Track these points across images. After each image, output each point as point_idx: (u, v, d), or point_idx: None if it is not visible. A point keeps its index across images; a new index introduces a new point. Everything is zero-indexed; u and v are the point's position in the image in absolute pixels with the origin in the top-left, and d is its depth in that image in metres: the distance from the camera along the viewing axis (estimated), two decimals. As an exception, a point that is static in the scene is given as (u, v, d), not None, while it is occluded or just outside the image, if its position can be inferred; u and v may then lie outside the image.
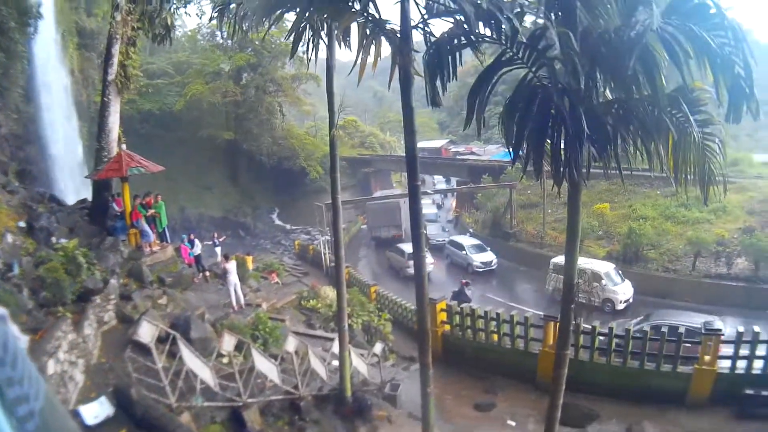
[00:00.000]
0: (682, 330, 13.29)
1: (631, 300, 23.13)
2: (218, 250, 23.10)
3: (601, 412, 11.92)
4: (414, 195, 7.98)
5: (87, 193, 21.97)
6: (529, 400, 13.12)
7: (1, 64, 26.06)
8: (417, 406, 9.80)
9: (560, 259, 22.70)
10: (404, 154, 8.26)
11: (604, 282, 22.66)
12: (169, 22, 18.37)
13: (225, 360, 10.20)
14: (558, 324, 11.63)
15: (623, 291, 23.10)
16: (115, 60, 16.98)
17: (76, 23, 44.46)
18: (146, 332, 7.87)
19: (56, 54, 39.89)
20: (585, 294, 21.26)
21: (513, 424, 12.06)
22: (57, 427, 1.32)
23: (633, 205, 33.09)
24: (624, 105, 5.95)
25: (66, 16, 41.28)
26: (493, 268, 31.59)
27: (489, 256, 32.00)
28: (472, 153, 67.00)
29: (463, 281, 22.10)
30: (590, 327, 12.84)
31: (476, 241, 34.10)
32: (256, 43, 54.91)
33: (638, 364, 12.64)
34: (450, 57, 6.48)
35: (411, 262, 26.92)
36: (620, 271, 23.93)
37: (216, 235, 26.46)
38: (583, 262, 22.11)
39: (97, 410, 6.99)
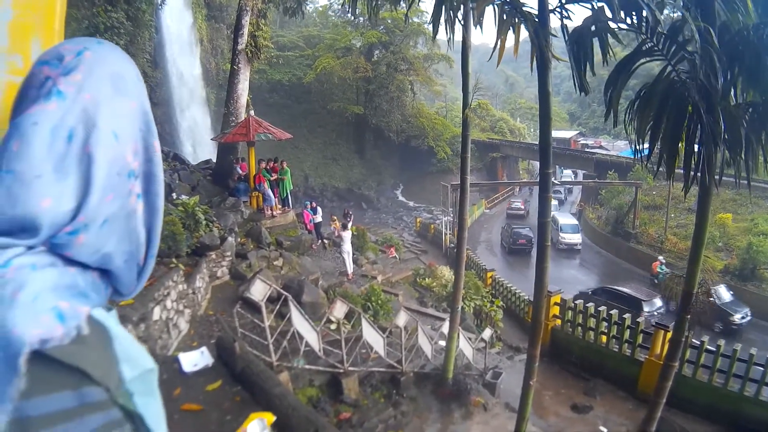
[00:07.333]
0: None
1: (578, 246, 34.69)
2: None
3: (693, 434, 11.21)
4: (545, 184, 7.63)
5: (211, 156, 22.96)
6: (625, 409, 12.51)
7: (127, 32, 27.75)
8: (515, 398, 9.62)
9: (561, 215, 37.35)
10: (534, 142, 8.04)
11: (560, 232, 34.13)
12: (300, -4, 18.82)
13: (333, 326, 10.37)
14: (668, 334, 11.10)
15: (570, 237, 34.57)
16: (245, 31, 17.67)
17: (205, -4, 46.47)
18: (258, 290, 8.06)
19: (185, 24, 42.21)
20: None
21: (605, 431, 11.63)
22: None
23: (755, 218, 30.79)
24: (759, 108, 5.50)
25: (195, -11, 43.23)
26: None
27: None
28: (601, 147, 64.55)
29: None
30: (699, 342, 12.06)
31: None
32: (388, 21, 55.38)
33: (738, 388, 11.62)
34: (590, 43, 6.26)
35: None
36: (577, 225, 36.59)
37: (349, 212, 26.82)
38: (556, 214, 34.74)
39: (197, 359, 7.21)
